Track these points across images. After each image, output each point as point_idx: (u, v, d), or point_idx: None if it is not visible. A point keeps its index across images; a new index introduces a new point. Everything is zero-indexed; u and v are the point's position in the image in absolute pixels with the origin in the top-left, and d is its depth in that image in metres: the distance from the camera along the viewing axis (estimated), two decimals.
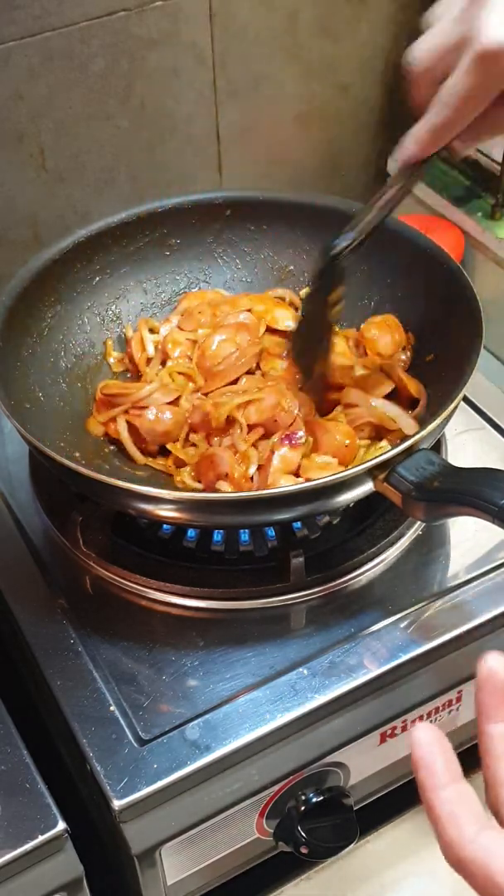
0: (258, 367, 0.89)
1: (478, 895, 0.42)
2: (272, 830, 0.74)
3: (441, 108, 0.67)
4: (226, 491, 0.78)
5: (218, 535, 0.79)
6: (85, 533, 0.81)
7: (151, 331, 0.93)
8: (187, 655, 0.74)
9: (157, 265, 0.96)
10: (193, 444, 0.83)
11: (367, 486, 0.72)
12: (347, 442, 0.80)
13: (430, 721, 0.77)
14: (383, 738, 0.75)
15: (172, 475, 0.83)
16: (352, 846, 0.76)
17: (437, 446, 0.86)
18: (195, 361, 0.88)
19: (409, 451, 0.71)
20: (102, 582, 0.79)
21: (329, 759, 0.72)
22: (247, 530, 0.80)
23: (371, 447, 0.82)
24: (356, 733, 0.72)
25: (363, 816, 0.77)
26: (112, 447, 0.86)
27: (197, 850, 0.71)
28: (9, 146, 0.98)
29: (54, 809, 0.64)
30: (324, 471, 0.77)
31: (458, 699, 0.78)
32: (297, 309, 0.95)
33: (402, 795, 0.82)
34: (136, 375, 0.91)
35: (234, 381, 0.87)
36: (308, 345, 0.84)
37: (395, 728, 0.75)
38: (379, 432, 0.83)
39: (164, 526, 0.80)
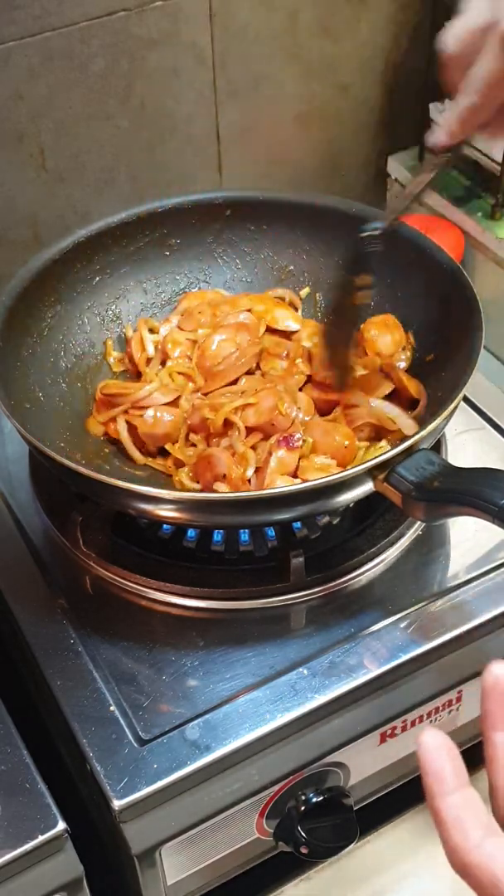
0: (258, 367, 0.89)
1: None
2: (272, 830, 0.74)
3: (467, 94, 0.67)
4: (223, 492, 0.78)
5: (218, 535, 0.79)
6: (85, 533, 0.81)
7: (151, 331, 0.93)
8: (187, 655, 0.74)
9: (157, 265, 0.96)
10: (194, 444, 0.84)
11: (367, 486, 0.72)
12: (347, 443, 0.80)
13: (430, 721, 0.77)
14: (383, 738, 0.75)
15: (172, 475, 0.83)
16: (352, 846, 0.76)
17: (437, 446, 0.86)
18: (195, 361, 0.88)
19: (409, 451, 0.71)
20: (102, 582, 0.79)
21: (329, 759, 0.72)
22: (247, 530, 0.80)
23: (371, 448, 0.82)
24: (356, 733, 0.72)
25: (363, 816, 0.77)
26: (112, 447, 0.86)
27: (197, 850, 0.71)
28: (9, 146, 0.98)
29: (54, 809, 0.64)
30: (322, 472, 0.77)
31: (458, 699, 0.78)
32: (297, 309, 0.95)
33: (402, 795, 0.82)
34: (136, 375, 0.91)
35: (234, 382, 0.87)
36: (336, 332, 0.84)
37: (395, 728, 0.75)
38: (379, 433, 0.83)
39: (164, 526, 0.80)
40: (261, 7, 1.04)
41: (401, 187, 1.21)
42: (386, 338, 0.89)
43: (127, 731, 0.69)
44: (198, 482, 0.81)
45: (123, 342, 0.94)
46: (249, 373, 0.88)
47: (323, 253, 0.96)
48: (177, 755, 0.68)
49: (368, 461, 0.70)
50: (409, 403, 0.84)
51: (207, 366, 0.87)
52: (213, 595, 0.77)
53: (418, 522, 0.81)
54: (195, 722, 0.70)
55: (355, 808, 0.76)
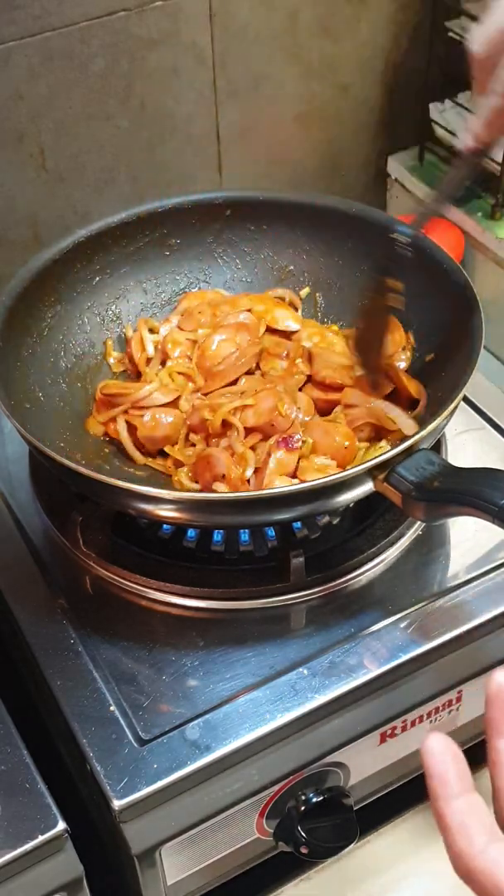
0: (258, 367, 0.89)
1: None
2: (272, 830, 0.74)
3: (493, 95, 0.66)
4: (223, 492, 0.78)
5: (218, 535, 0.79)
6: (85, 533, 0.81)
7: (151, 331, 0.93)
8: (187, 655, 0.74)
9: (157, 265, 0.96)
10: (193, 444, 0.83)
11: (367, 487, 0.72)
12: (346, 444, 0.80)
13: (430, 721, 0.77)
14: (383, 738, 0.75)
15: (172, 475, 0.83)
16: (352, 846, 0.76)
17: (437, 446, 0.86)
18: (195, 361, 0.88)
19: (409, 451, 0.71)
20: (102, 582, 0.79)
21: (329, 759, 0.72)
22: (247, 530, 0.80)
23: (371, 448, 0.82)
24: (356, 733, 0.72)
25: (363, 816, 0.77)
26: (112, 447, 0.86)
27: (197, 850, 0.71)
28: (9, 146, 0.98)
29: (54, 809, 0.64)
30: (321, 473, 0.77)
31: (458, 699, 0.78)
32: (297, 309, 0.95)
33: (402, 795, 0.82)
34: (136, 375, 0.91)
35: (234, 382, 0.87)
36: (368, 336, 0.84)
37: (395, 728, 0.75)
38: (378, 433, 0.83)
39: (164, 526, 0.80)
40: (261, 7, 1.04)
41: (401, 187, 1.21)
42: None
43: (127, 731, 0.69)
44: (197, 482, 0.81)
45: (123, 342, 0.94)
46: (249, 373, 0.88)
47: (323, 253, 0.96)
48: (177, 755, 0.68)
49: (368, 461, 0.70)
50: (409, 403, 0.84)
51: (207, 366, 0.87)
52: (213, 595, 0.77)
53: (418, 522, 0.81)
54: (195, 722, 0.70)
55: (355, 808, 0.76)
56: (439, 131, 1.18)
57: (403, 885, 0.83)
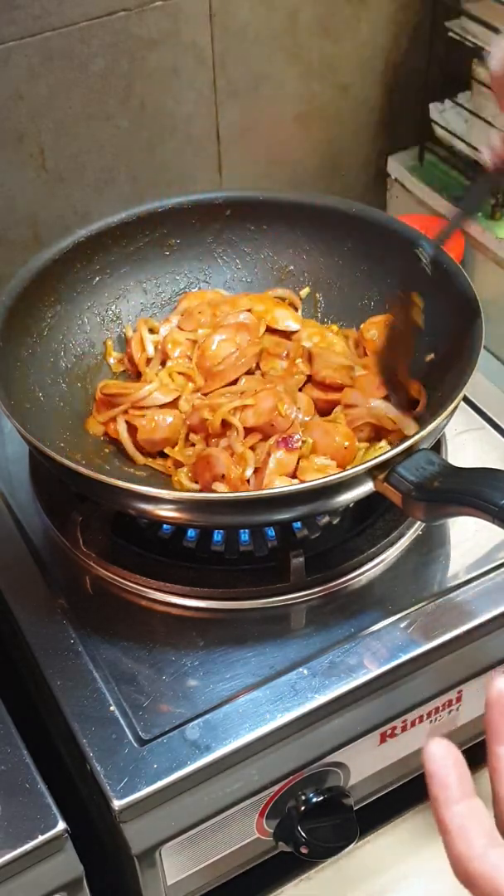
0: (258, 367, 0.89)
1: None
2: (272, 830, 0.74)
3: None
4: (222, 492, 0.78)
5: (218, 535, 0.79)
6: (85, 533, 0.81)
7: (151, 331, 0.93)
8: (187, 655, 0.74)
9: (157, 265, 0.96)
10: (193, 444, 0.83)
11: (367, 487, 0.72)
12: (346, 444, 0.80)
13: (430, 721, 0.77)
14: (383, 738, 0.75)
15: (171, 476, 0.83)
16: (352, 846, 0.76)
17: (437, 446, 0.86)
18: (195, 361, 0.88)
19: (409, 451, 0.71)
20: (102, 582, 0.79)
21: (329, 759, 0.72)
22: (247, 530, 0.80)
23: (371, 448, 0.82)
24: (356, 733, 0.72)
25: (363, 816, 0.77)
26: (112, 447, 0.86)
27: (197, 850, 0.71)
28: (9, 146, 0.98)
29: (54, 809, 0.64)
30: (321, 474, 0.77)
31: (458, 699, 0.78)
32: (297, 309, 0.95)
33: (402, 795, 0.82)
34: (136, 375, 0.91)
35: (234, 382, 0.87)
36: (393, 347, 0.83)
37: (395, 728, 0.75)
38: (378, 433, 0.83)
39: (164, 526, 0.80)
40: (261, 7, 1.04)
41: (401, 187, 1.21)
42: None
43: (127, 731, 0.69)
44: (196, 482, 0.81)
45: (123, 342, 0.94)
46: (249, 373, 0.88)
47: (323, 253, 0.96)
48: (177, 755, 0.68)
49: (368, 461, 0.70)
50: (409, 403, 0.84)
51: (207, 366, 0.87)
52: (213, 595, 0.77)
53: (418, 522, 0.81)
54: (195, 722, 0.70)
55: (355, 808, 0.76)
56: (439, 131, 1.19)
57: (403, 885, 0.83)
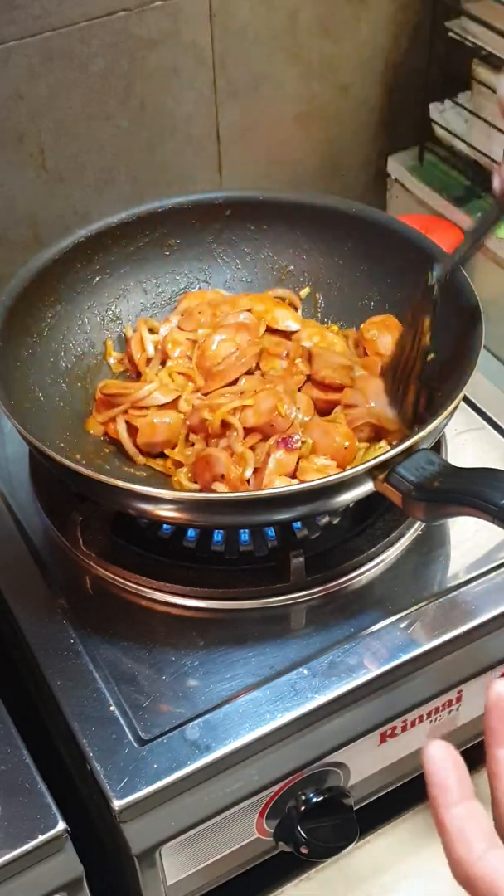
0: (258, 367, 0.89)
1: None
2: (272, 830, 0.74)
3: None
4: (222, 492, 0.78)
5: (218, 535, 0.79)
6: (85, 533, 0.81)
7: (151, 331, 0.93)
8: (187, 655, 0.74)
9: (157, 265, 0.96)
10: (193, 444, 0.83)
11: (367, 487, 0.72)
12: (346, 444, 0.80)
13: (430, 721, 0.77)
14: (383, 738, 0.75)
15: (171, 476, 0.83)
16: (352, 846, 0.76)
17: (437, 446, 0.86)
18: (195, 361, 0.88)
19: (409, 451, 0.71)
20: (102, 582, 0.79)
21: (329, 759, 0.72)
22: (247, 530, 0.80)
23: (370, 448, 0.82)
24: (356, 733, 0.72)
25: (363, 816, 0.77)
26: (112, 447, 0.86)
27: (197, 850, 0.71)
28: (9, 146, 0.98)
29: (54, 809, 0.64)
30: (321, 474, 0.77)
31: (458, 699, 0.78)
32: (296, 309, 0.95)
33: (402, 795, 0.82)
34: (136, 375, 0.91)
35: (234, 382, 0.87)
36: (400, 373, 0.83)
37: (395, 728, 0.75)
38: (378, 433, 0.83)
39: (164, 526, 0.80)
40: (261, 7, 1.04)
41: (401, 187, 1.21)
42: (386, 338, 0.89)
43: (127, 731, 0.69)
44: (196, 482, 0.81)
45: (123, 342, 0.94)
46: (249, 373, 0.88)
47: (323, 253, 0.96)
48: (177, 755, 0.68)
49: (368, 461, 0.70)
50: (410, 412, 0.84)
51: (207, 366, 0.87)
52: (213, 595, 0.77)
53: (418, 522, 0.81)
54: (195, 722, 0.70)
55: (355, 808, 0.76)
56: (439, 131, 1.19)
57: (403, 885, 0.83)
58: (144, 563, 0.79)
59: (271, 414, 0.80)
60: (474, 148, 1.14)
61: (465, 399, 0.91)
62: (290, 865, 0.81)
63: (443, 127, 1.17)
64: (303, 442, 0.80)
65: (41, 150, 0.99)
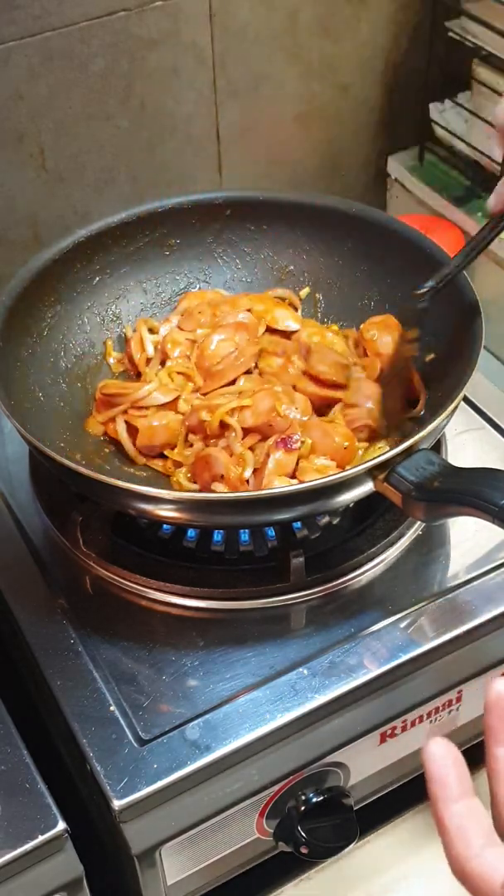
0: (256, 366, 0.89)
1: None
2: (272, 830, 0.74)
3: None
4: (222, 492, 0.78)
5: (218, 535, 0.79)
6: (85, 533, 0.81)
7: (151, 331, 0.93)
8: (187, 655, 0.74)
9: (157, 265, 0.96)
10: (192, 445, 0.83)
11: (367, 487, 0.72)
12: (346, 444, 0.80)
13: (430, 721, 0.77)
14: (383, 738, 0.75)
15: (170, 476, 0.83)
16: (352, 846, 0.76)
17: (437, 446, 0.86)
18: (194, 361, 0.88)
19: (409, 451, 0.71)
20: (102, 582, 0.79)
21: (329, 759, 0.72)
22: (247, 530, 0.80)
23: (369, 448, 0.82)
24: (356, 733, 0.72)
25: (363, 816, 0.77)
26: (112, 447, 0.86)
27: (197, 850, 0.71)
28: (9, 146, 0.98)
29: (54, 809, 0.64)
30: (320, 475, 0.77)
31: (458, 699, 0.78)
32: (296, 309, 0.95)
33: (402, 795, 0.82)
34: (136, 376, 0.91)
35: (233, 382, 0.87)
36: (388, 384, 0.85)
37: (395, 728, 0.75)
38: (377, 433, 0.83)
39: (164, 526, 0.80)
40: (261, 7, 1.04)
41: (401, 187, 1.21)
42: (386, 338, 0.89)
43: (127, 731, 0.69)
44: (195, 482, 0.81)
45: (123, 342, 0.94)
46: (248, 372, 0.88)
47: (323, 253, 0.96)
48: (177, 755, 0.68)
49: (368, 461, 0.70)
50: (409, 403, 0.84)
51: (206, 365, 0.87)
52: (213, 595, 0.77)
53: (418, 522, 0.81)
54: (195, 722, 0.70)
55: (355, 808, 0.76)
56: (439, 131, 1.19)
57: (403, 885, 0.83)
58: (144, 563, 0.79)
59: (270, 414, 0.80)
60: (474, 148, 1.14)
61: (465, 399, 0.91)
62: (290, 865, 0.81)
63: (443, 127, 1.17)
64: (302, 442, 0.80)
65: (41, 150, 0.99)
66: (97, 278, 0.93)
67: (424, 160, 1.20)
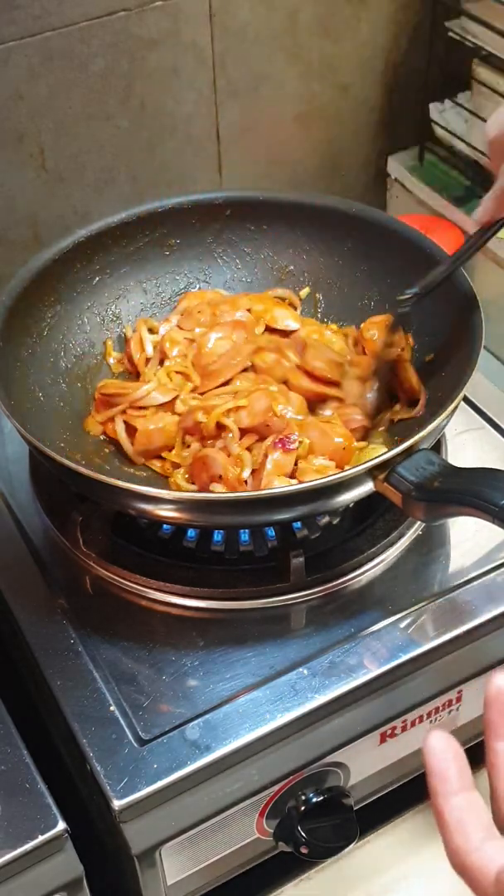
0: (252, 365, 0.89)
1: None
2: (272, 830, 0.74)
3: (502, 177, 0.73)
4: (220, 492, 0.78)
5: (218, 535, 0.79)
6: (85, 533, 0.81)
7: (151, 331, 0.93)
8: (187, 655, 0.74)
9: (157, 265, 0.96)
10: (189, 446, 0.83)
11: (368, 487, 0.72)
12: (345, 444, 0.80)
13: (430, 721, 0.77)
14: (383, 738, 0.75)
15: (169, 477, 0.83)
16: (352, 846, 0.76)
17: (437, 446, 0.86)
18: (191, 360, 0.88)
19: (409, 451, 0.71)
20: (102, 582, 0.79)
21: (329, 759, 0.72)
22: (247, 530, 0.80)
23: (366, 448, 0.82)
24: (356, 733, 0.72)
25: (363, 816, 0.77)
26: (112, 447, 0.86)
27: (197, 850, 0.71)
28: (9, 146, 0.98)
29: (54, 809, 0.64)
30: (319, 475, 0.77)
31: (458, 699, 0.78)
32: (296, 309, 0.95)
33: (402, 795, 0.82)
34: (136, 375, 0.91)
35: (230, 381, 0.87)
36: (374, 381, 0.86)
37: (395, 728, 0.75)
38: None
39: (164, 526, 0.80)
40: (261, 7, 1.04)
41: (401, 187, 1.21)
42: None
43: (127, 731, 0.69)
44: (193, 483, 0.81)
45: (123, 342, 0.94)
46: (245, 371, 0.88)
47: (323, 253, 0.96)
48: (177, 755, 0.68)
49: (369, 461, 0.70)
50: (409, 403, 0.84)
51: (203, 364, 0.87)
52: (213, 595, 0.77)
53: (418, 522, 0.81)
54: (195, 722, 0.70)
55: (355, 808, 0.76)
56: (439, 131, 1.19)
57: (403, 885, 0.83)
58: (144, 563, 0.79)
59: (266, 414, 0.80)
60: (474, 148, 1.14)
61: (465, 399, 0.91)
62: (290, 865, 0.81)
63: (443, 127, 1.17)
64: (300, 442, 0.80)
65: (41, 150, 0.99)
66: (97, 278, 0.93)
67: (424, 160, 1.20)
